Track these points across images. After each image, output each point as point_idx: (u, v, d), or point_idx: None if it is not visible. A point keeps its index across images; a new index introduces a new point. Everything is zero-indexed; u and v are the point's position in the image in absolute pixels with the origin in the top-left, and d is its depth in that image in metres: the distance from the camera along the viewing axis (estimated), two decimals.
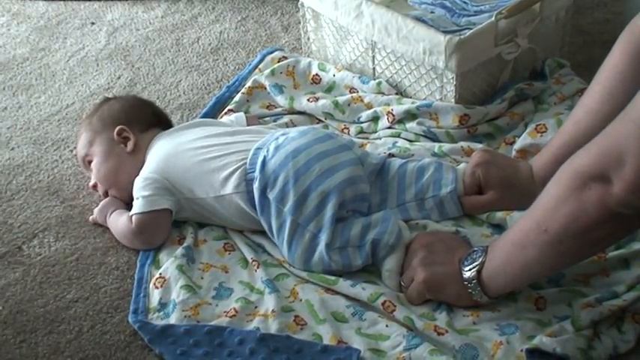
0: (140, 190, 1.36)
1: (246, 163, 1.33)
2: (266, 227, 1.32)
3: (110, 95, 1.66)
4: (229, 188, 1.33)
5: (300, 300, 1.24)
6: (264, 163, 1.31)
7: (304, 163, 1.29)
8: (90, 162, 1.46)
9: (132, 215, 1.35)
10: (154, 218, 1.34)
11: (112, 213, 1.39)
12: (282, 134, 1.36)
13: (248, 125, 1.52)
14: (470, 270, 1.17)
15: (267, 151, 1.32)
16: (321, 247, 1.26)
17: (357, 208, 1.32)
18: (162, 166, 1.38)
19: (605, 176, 0.97)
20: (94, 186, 1.45)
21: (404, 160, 1.40)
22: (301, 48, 1.81)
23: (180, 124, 1.51)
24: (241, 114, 1.56)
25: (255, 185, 1.30)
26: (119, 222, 1.37)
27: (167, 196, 1.35)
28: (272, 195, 1.29)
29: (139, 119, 1.47)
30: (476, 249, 1.19)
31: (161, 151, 1.41)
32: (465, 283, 1.17)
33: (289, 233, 1.28)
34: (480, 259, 1.16)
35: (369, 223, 1.28)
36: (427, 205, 1.35)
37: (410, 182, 1.36)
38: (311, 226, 1.27)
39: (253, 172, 1.31)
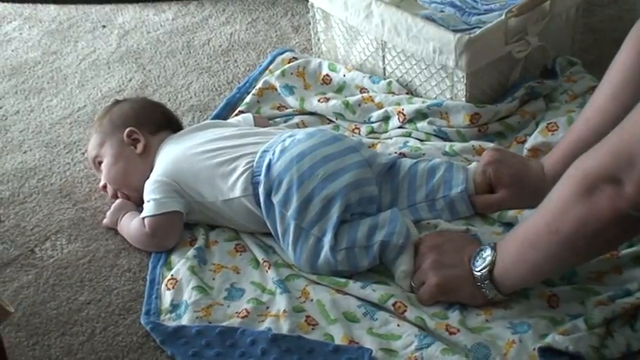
0: (151, 193, 1.36)
1: (253, 166, 1.33)
2: (272, 230, 1.31)
3: (121, 98, 1.67)
4: (237, 192, 1.33)
5: (312, 300, 1.24)
6: (269, 166, 1.31)
7: (308, 168, 1.29)
8: (100, 163, 1.47)
9: (144, 218, 1.35)
10: (165, 220, 1.35)
11: (123, 216, 1.40)
12: (290, 136, 1.36)
13: (256, 125, 1.52)
14: (481, 270, 1.16)
15: (273, 154, 1.32)
16: (326, 249, 1.25)
17: (365, 211, 1.31)
18: (171, 169, 1.38)
19: (616, 178, 0.96)
20: (104, 187, 1.46)
21: (415, 161, 1.39)
22: (311, 49, 1.81)
23: (189, 127, 1.51)
24: (249, 114, 1.56)
25: (260, 189, 1.30)
26: (131, 226, 1.37)
27: (177, 198, 1.36)
28: (276, 199, 1.29)
29: (149, 121, 1.48)
30: (483, 247, 1.18)
31: (170, 154, 1.41)
32: (478, 283, 1.17)
33: (293, 237, 1.27)
34: (490, 258, 1.15)
35: (376, 224, 1.27)
36: (438, 205, 1.35)
37: (421, 183, 1.36)
38: (315, 230, 1.27)
39: (259, 175, 1.31)
